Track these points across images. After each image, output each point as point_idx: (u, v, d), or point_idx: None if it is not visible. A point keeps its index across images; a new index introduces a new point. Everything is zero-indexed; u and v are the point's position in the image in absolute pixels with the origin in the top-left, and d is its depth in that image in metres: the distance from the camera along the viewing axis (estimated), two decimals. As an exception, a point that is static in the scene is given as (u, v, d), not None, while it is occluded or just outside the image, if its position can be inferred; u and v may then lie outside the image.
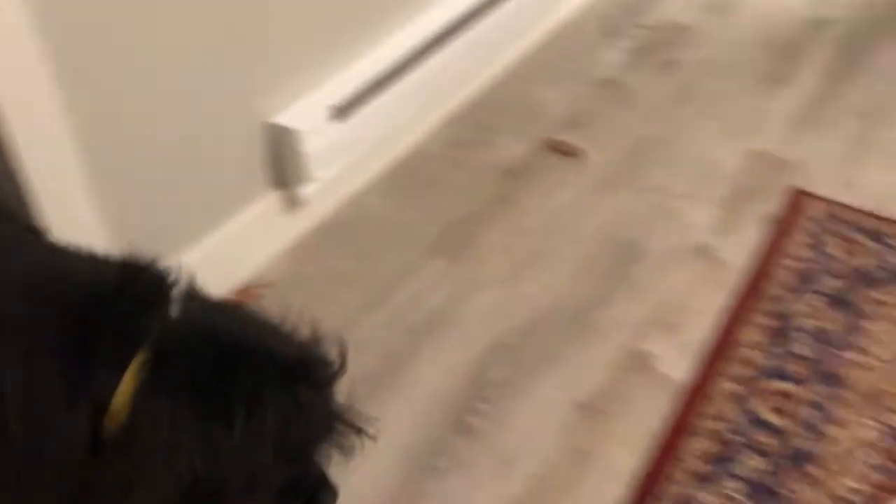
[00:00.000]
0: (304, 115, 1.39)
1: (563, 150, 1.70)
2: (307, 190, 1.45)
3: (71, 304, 0.72)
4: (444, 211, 1.59)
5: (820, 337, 1.33)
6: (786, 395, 1.25)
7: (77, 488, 0.72)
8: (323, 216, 1.57)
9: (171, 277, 0.78)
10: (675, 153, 1.71)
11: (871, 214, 1.55)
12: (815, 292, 1.40)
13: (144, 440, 0.70)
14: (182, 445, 0.71)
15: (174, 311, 0.76)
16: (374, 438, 0.80)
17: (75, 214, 1.11)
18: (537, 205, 1.60)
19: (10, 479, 0.71)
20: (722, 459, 1.16)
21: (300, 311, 0.79)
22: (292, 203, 1.48)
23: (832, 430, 1.20)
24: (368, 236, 1.54)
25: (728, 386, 1.26)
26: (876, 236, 1.51)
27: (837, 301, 1.39)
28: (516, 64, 1.95)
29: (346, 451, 0.79)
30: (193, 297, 0.79)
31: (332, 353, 0.79)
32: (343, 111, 1.43)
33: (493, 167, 1.68)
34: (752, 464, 1.16)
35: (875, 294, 1.40)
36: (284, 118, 1.37)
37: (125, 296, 0.74)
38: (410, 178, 1.67)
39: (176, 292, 0.78)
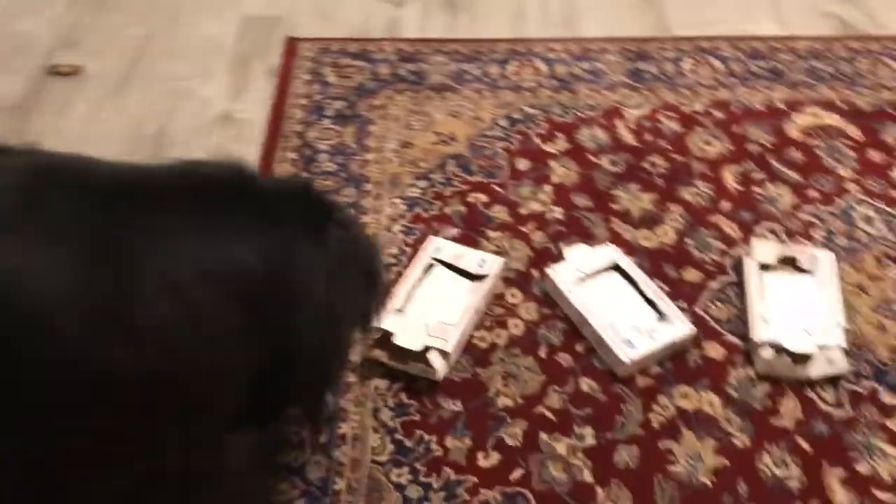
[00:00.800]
0: None
1: (64, 72, 1.68)
2: None
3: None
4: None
5: (339, 151, 1.54)
6: (325, 207, 1.45)
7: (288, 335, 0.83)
8: None
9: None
10: (173, 42, 1.78)
11: (353, 39, 1.79)
12: (326, 117, 1.61)
13: (330, 289, 0.84)
14: (357, 285, 0.91)
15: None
16: None
17: None
18: (54, 128, 1.58)
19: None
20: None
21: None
22: None
23: (368, 220, 1.42)
24: None
25: (276, 218, 1.43)
26: (362, 56, 1.75)
27: (344, 118, 1.61)
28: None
29: None
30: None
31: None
32: None
33: (-5, 111, 1.62)
34: (313, 269, 1.35)
35: (372, 102, 1.65)
36: None
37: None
38: None
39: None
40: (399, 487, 1.07)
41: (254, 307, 0.77)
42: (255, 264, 0.78)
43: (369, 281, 0.94)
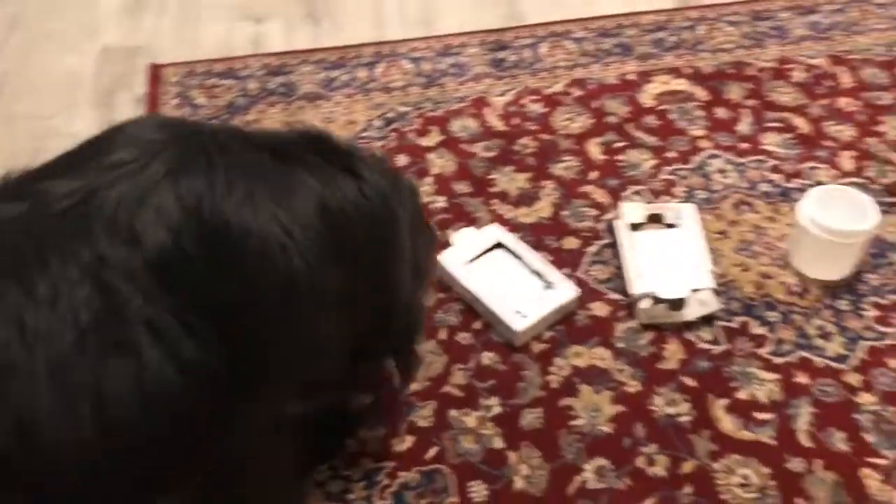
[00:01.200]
0: None
1: (-84, 124, 1.62)
2: None
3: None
4: None
5: (218, 170, 1.55)
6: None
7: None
8: None
9: None
10: (30, 79, 1.74)
11: (218, 60, 1.79)
12: (201, 138, 1.61)
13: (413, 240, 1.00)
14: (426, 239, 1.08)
15: None
16: None
17: None
18: (-87, 185, 1.52)
19: None
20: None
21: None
22: None
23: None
24: None
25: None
26: (229, 74, 1.76)
27: (220, 137, 1.62)
28: None
29: None
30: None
31: None
32: None
33: None
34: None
35: (245, 118, 1.66)
36: None
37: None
38: None
39: None
40: (319, 484, 1.10)
41: (374, 237, 0.93)
42: (377, 204, 0.92)
43: (431, 237, 1.07)
